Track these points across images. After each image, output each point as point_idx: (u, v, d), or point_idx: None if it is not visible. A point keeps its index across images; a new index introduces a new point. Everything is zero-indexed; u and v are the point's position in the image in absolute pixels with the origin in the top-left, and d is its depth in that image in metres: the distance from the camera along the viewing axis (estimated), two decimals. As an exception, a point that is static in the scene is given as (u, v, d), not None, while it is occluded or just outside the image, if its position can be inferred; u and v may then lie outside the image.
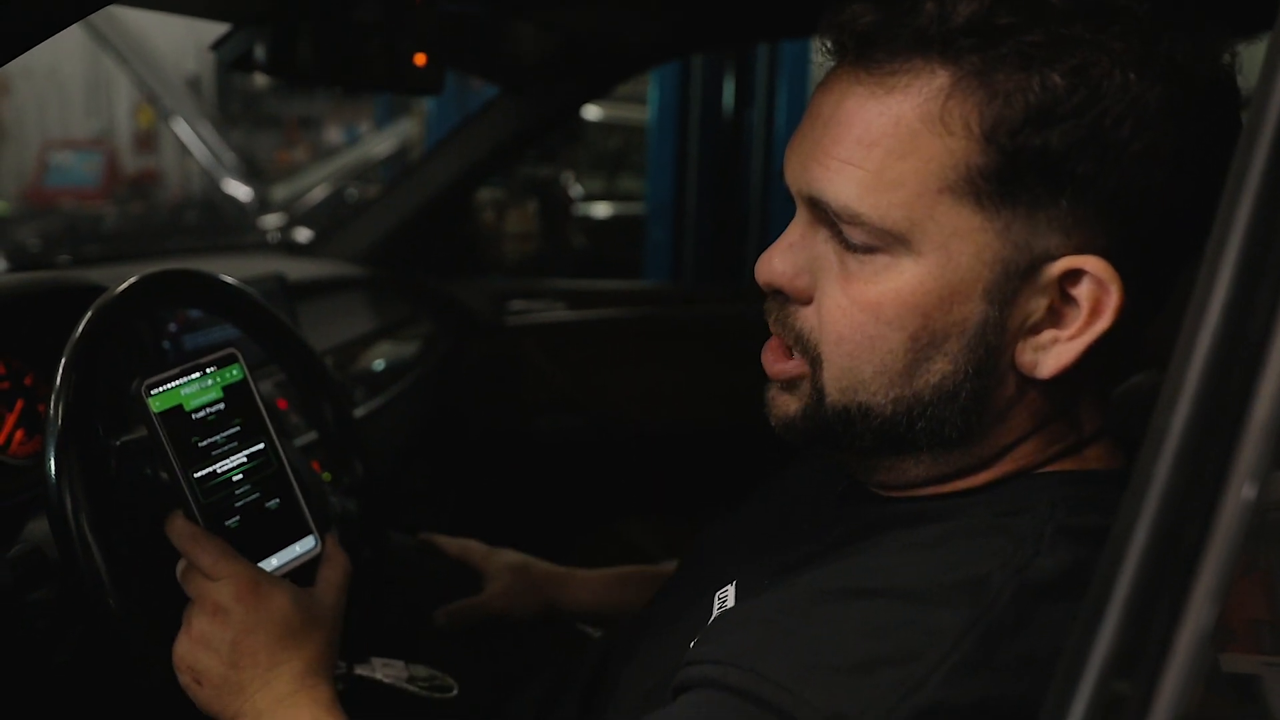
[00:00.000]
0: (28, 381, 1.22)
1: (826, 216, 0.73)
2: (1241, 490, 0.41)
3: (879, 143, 0.70)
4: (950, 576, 0.67)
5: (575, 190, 4.73)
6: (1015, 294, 0.71)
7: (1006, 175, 0.68)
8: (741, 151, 3.57)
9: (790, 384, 0.79)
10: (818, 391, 0.77)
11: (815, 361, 0.76)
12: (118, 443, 0.98)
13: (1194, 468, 0.42)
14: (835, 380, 0.75)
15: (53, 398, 0.92)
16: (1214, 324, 0.43)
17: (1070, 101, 0.66)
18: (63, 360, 0.94)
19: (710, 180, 3.58)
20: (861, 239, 0.71)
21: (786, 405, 0.80)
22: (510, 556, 1.32)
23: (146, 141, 9.56)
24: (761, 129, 3.53)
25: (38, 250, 6.49)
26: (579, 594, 1.31)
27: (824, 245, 0.75)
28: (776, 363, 0.79)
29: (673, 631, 0.85)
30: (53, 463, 0.90)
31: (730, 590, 0.82)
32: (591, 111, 4.99)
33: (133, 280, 1.03)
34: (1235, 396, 0.42)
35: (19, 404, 1.20)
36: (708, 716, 0.66)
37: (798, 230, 0.77)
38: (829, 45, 0.74)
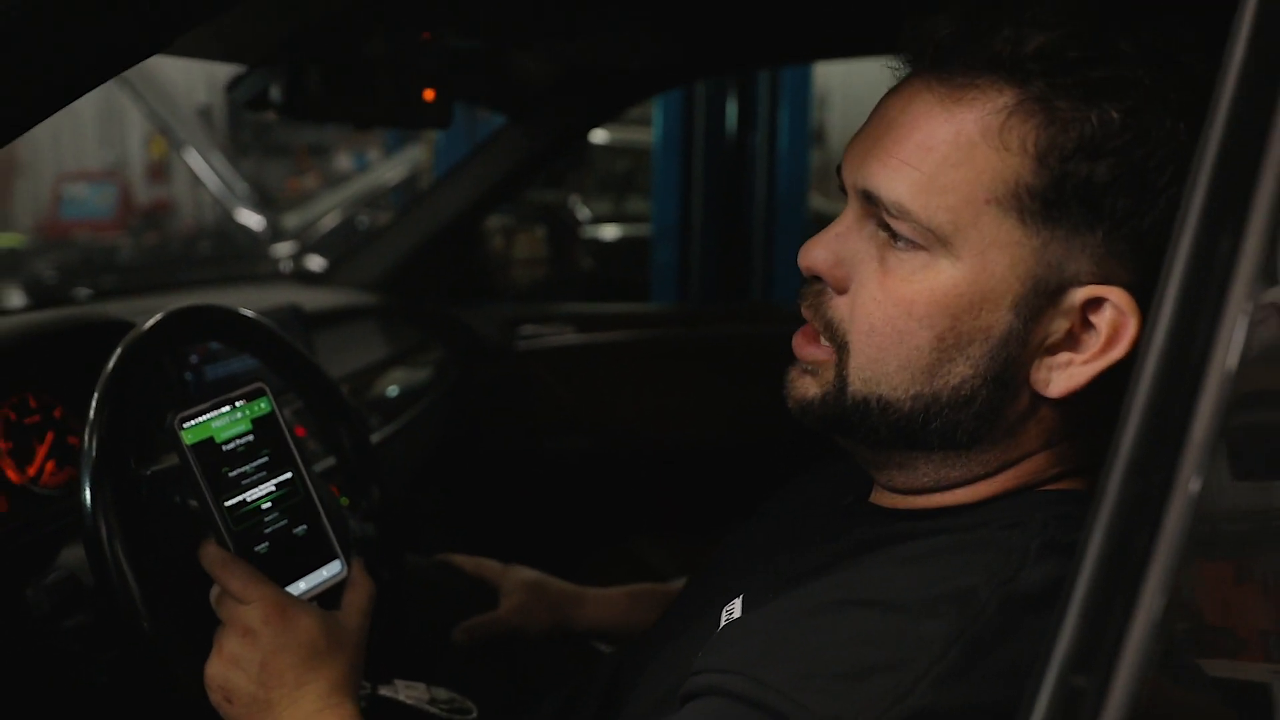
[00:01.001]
0: (57, 414, 1.26)
1: (876, 211, 0.78)
2: (1184, 498, 0.45)
3: (938, 148, 0.74)
4: (940, 589, 0.70)
5: (583, 214, 4.78)
6: (1040, 311, 0.75)
7: (1051, 197, 0.72)
8: (745, 174, 3.61)
9: (815, 368, 0.83)
10: (841, 380, 0.80)
11: (843, 349, 0.80)
12: (148, 472, 1.02)
13: (1142, 480, 0.46)
14: (860, 370, 0.79)
15: (86, 430, 0.97)
16: (1159, 350, 0.47)
17: (1121, 138, 0.71)
18: (95, 394, 0.98)
19: (715, 202, 3.62)
20: (907, 235, 0.76)
21: (807, 388, 0.83)
22: (525, 574, 1.36)
23: (159, 172, 9.65)
24: (764, 152, 3.58)
25: (54, 282, 6.57)
26: (592, 611, 1.35)
27: (868, 240, 0.79)
28: (806, 346, 0.83)
29: (682, 643, 0.89)
30: (88, 492, 0.94)
31: (738, 603, 0.86)
32: (598, 135, 5.05)
33: (159, 316, 1.07)
34: (1179, 414, 0.46)
35: (49, 436, 1.25)
36: None
37: (845, 222, 0.81)
38: (906, 53, 0.79)
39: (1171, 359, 0.47)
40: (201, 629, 0.97)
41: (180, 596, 0.99)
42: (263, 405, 1.05)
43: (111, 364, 1.01)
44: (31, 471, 1.21)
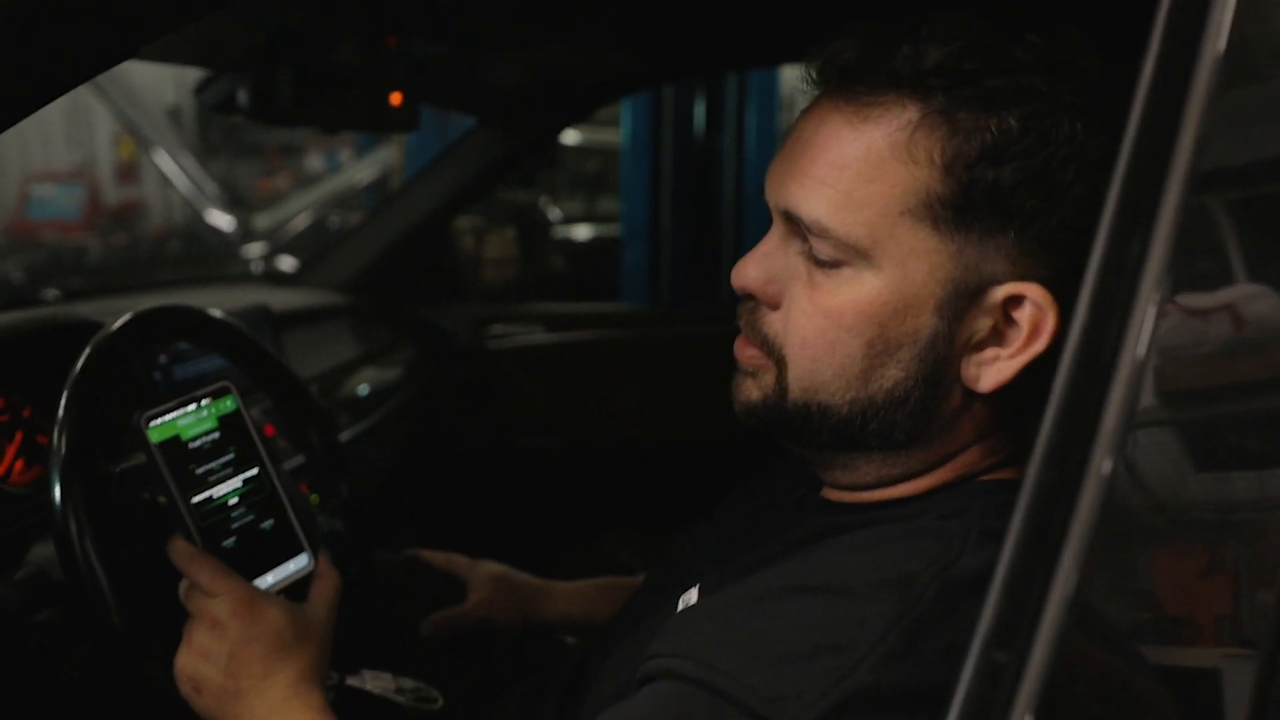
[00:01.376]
0: (26, 414, 1.27)
1: (799, 229, 0.81)
2: (1095, 483, 0.48)
3: (850, 166, 0.78)
4: (881, 575, 0.74)
5: (553, 214, 4.79)
6: (964, 312, 0.79)
7: (961, 204, 0.76)
8: (714, 174, 3.64)
9: (755, 370, 0.86)
10: (781, 389, 0.84)
11: (780, 362, 0.84)
12: (117, 470, 1.04)
13: (1060, 467, 0.50)
14: (798, 380, 0.83)
15: (55, 429, 0.98)
16: (1075, 345, 0.50)
17: (1022, 143, 0.74)
18: (65, 394, 1.00)
19: (684, 203, 3.65)
20: (828, 252, 0.79)
21: (750, 391, 0.87)
22: (492, 567, 1.38)
23: (128, 172, 9.58)
24: (733, 153, 3.61)
25: (22, 283, 6.52)
26: (559, 604, 1.37)
27: (795, 256, 0.83)
28: (745, 348, 0.87)
29: (642, 631, 0.91)
30: (58, 490, 0.96)
31: (694, 592, 0.89)
32: (568, 135, 5.07)
33: (128, 317, 1.09)
34: (1092, 403, 0.49)
35: (18, 436, 1.26)
36: (665, 704, 0.73)
37: (773, 241, 0.84)
38: (813, 75, 0.82)
39: (1087, 352, 0.51)
40: (171, 623, 0.99)
41: (149, 591, 1.00)
42: (228, 403, 1.07)
43: (80, 363, 1.02)
44: (0, 471, 1.22)
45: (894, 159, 0.76)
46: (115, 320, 1.09)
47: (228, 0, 0.74)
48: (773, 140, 3.59)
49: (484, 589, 1.34)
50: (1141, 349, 0.50)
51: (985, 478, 0.84)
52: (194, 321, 1.19)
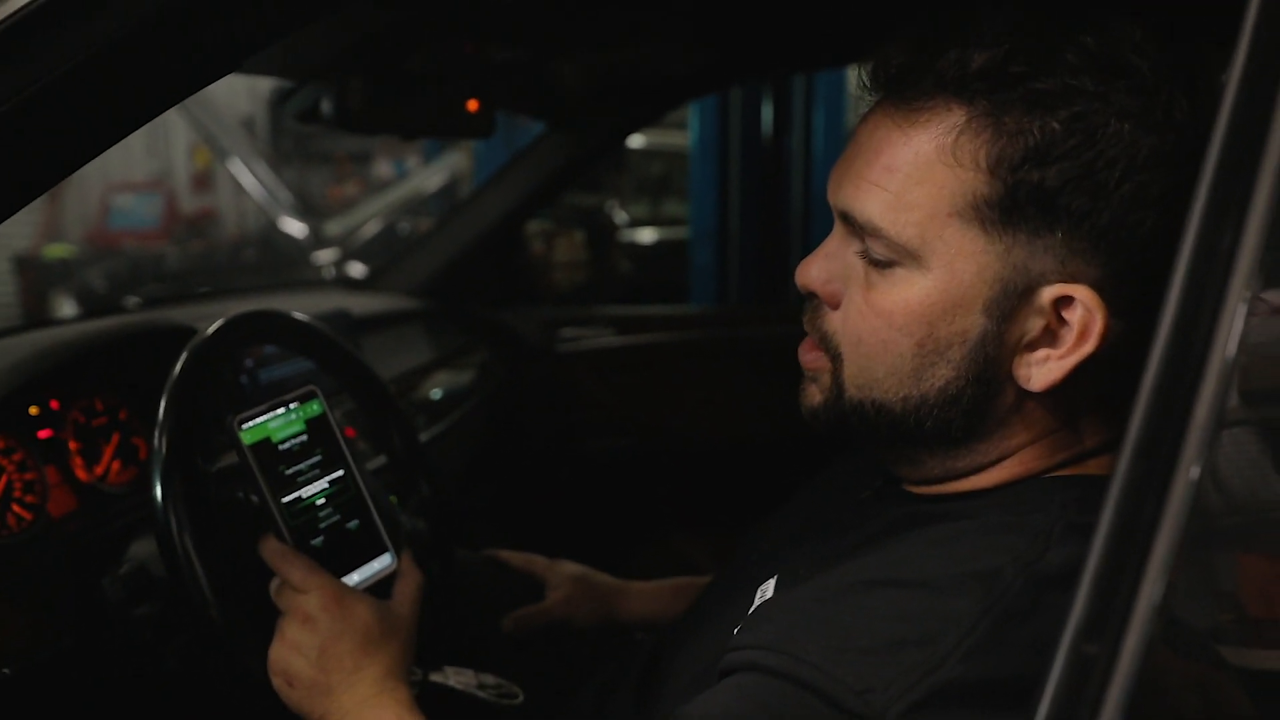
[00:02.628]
0: (122, 416, 1.33)
1: (856, 230, 0.83)
2: (1187, 478, 0.48)
3: (900, 169, 0.79)
4: (966, 568, 0.74)
5: (620, 217, 4.82)
6: (1013, 312, 0.79)
7: (1007, 205, 0.77)
8: (782, 176, 3.64)
9: (816, 376, 0.89)
10: (838, 386, 0.86)
11: (837, 359, 0.86)
12: (214, 470, 1.08)
13: (1149, 461, 0.50)
14: (853, 378, 0.85)
15: (156, 431, 1.02)
16: (1166, 338, 0.50)
17: (1066, 144, 0.75)
18: (164, 396, 1.04)
19: (752, 204, 3.65)
20: (881, 252, 0.81)
21: (813, 395, 0.89)
22: (571, 567, 1.40)
23: (203, 181, 9.79)
24: (800, 153, 3.60)
25: (104, 291, 6.72)
26: (636, 604, 1.39)
27: (853, 257, 0.84)
28: (806, 354, 0.90)
29: (719, 623, 0.93)
30: (159, 489, 1.00)
31: (771, 584, 0.90)
32: (634, 139, 5.09)
33: (222, 321, 1.13)
34: (1182, 401, 0.50)
35: (115, 437, 1.31)
36: (750, 696, 0.74)
37: (834, 242, 0.87)
38: (866, 82, 0.84)
39: (1177, 348, 0.51)
40: (264, 619, 1.02)
41: (244, 588, 1.04)
42: (315, 407, 1.11)
43: (179, 367, 1.07)
44: (99, 471, 1.28)
45: (940, 162, 0.78)
46: (209, 325, 1.13)
47: (326, 10, 0.76)
48: (840, 141, 3.57)
49: (563, 588, 1.36)
50: (1233, 346, 0.50)
51: (1059, 473, 0.84)
52: (283, 326, 1.22)
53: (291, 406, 1.09)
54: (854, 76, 0.88)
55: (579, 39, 1.74)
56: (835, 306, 0.86)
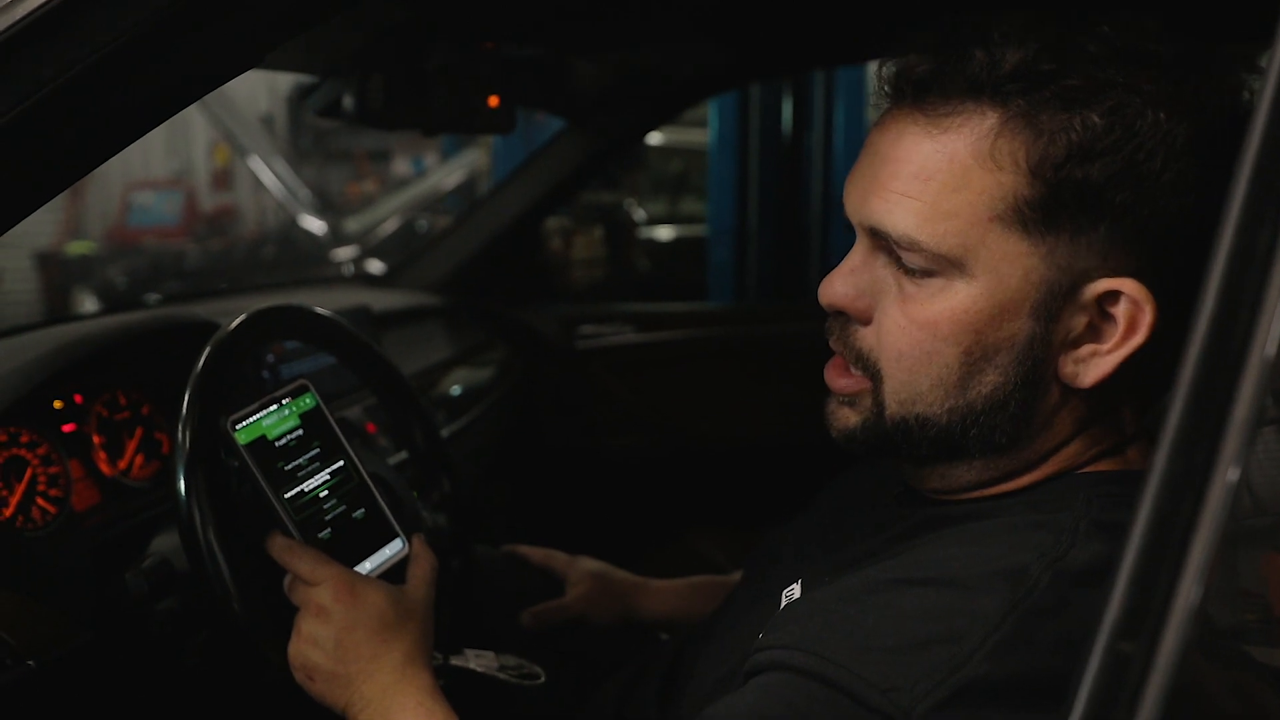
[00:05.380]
0: (145, 411, 1.33)
1: (886, 244, 0.81)
2: (1226, 475, 0.48)
3: (934, 177, 0.78)
4: (991, 566, 0.73)
5: (638, 215, 4.82)
6: (1059, 312, 0.78)
7: (1050, 205, 0.76)
8: (801, 173, 3.63)
9: (852, 399, 0.86)
10: (878, 405, 0.84)
11: (875, 377, 0.84)
12: (236, 464, 1.08)
13: (1187, 458, 0.49)
14: (894, 394, 0.83)
15: (179, 425, 1.03)
16: (1203, 334, 0.50)
17: (1108, 138, 0.74)
18: (187, 391, 1.04)
19: (771, 202, 3.64)
20: (919, 264, 0.79)
21: (847, 418, 0.87)
22: (591, 564, 1.40)
23: (223, 179, 9.85)
24: (820, 150, 3.59)
25: (125, 288, 6.76)
26: (655, 602, 1.39)
27: (883, 270, 0.83)
28: (840, 379, 0.87)
29: (743, 625, 0.92)
30: (182, 483, 1.00)
31: (796, 587, 0.90)
32: (652, 136, 5.09)
33: (245, 316, 1.13)
34: (1221, 396, 0.49)
35: (139, 432, 1.31)
36: (776, 695, 0.74)
37: (858, 256, 0.84)
38: (887, 89, 0.82)
39: (1215, 342, 0.50)
40: (286, 612, 1.02)
41: (266, 582, 1.04)
42: (308, 400, 1.11)
43: (202, 362, 1.07)
44: (122, 465, 1.28)
45: (979, 167, 0.76)
46: (231, 320, 1.13)
47: (346, 4, 0.76)
48: (860, 137, 3.56)
49: (582, 585, 1.36)
50: (1273, 341, 0.49)
51: (1087, 469, 0.84)
52: (306, 320, 1.22)
53: (284, 402, 1.09)
54: (873, 81, 0.87)
55: (599, 36, 1.74)
56: (866, 323, 0.84)
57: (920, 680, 0.68)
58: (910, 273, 0.80)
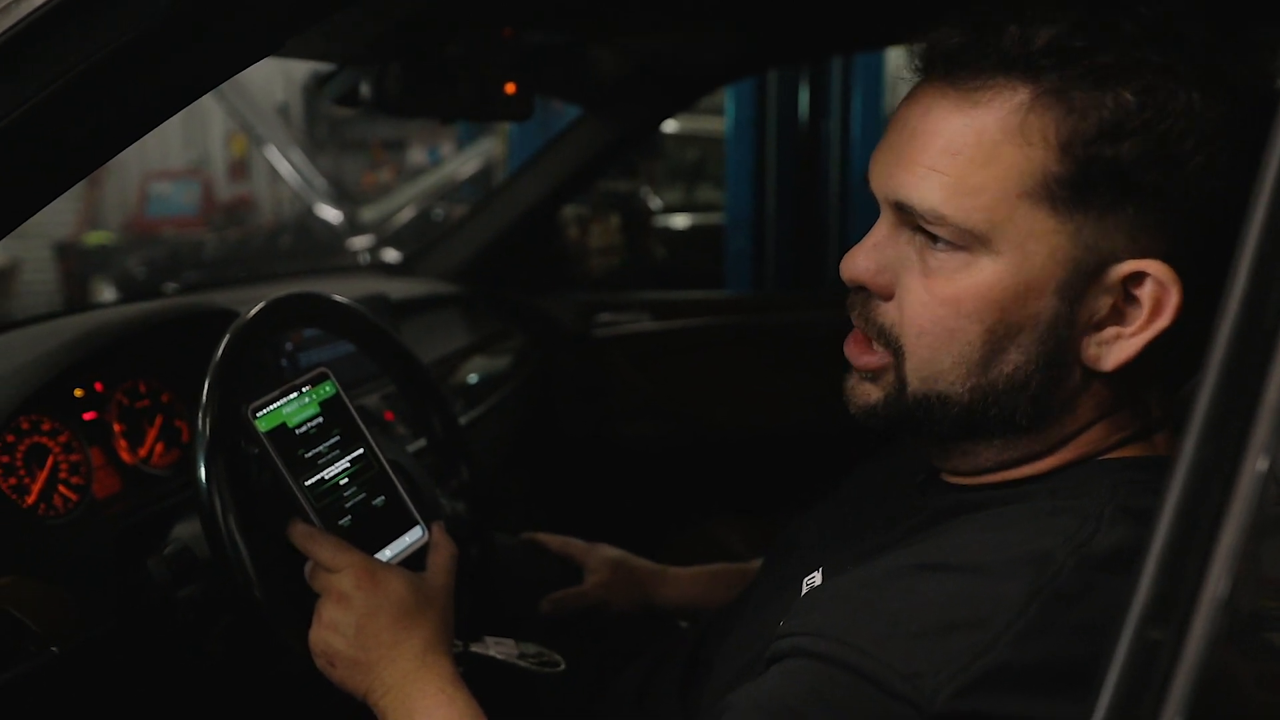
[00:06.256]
0: (165, 399, 1.33)
1: (911, 218, 0.80)
2: (1255, 464, 0.47)
3: (963, 151, 0.77)
4: (1015, 552, 0.73)
5: (655, 203, 4.81)
6: (1084, 292, 0.77)
7: (1079, 183, 0.75)
8: (819, 160, 3.61)
9: (873, 374, 0.86)
10: (900, 381, 0.83)
11: (898, 353, 0.83)
12: (256, 452, 1.08)
13: (1216, 444, 0.49)
14: (916, 370, 0.82)
15: (200, 413, 1.03)
16: (1233, 318, 0.49)
17: (1140, 117, 0.73)
18: (207, 379, 1.04)
19: (788, 189, 3.63)
20: (945, 238, 0.78)
21: (868, 394, 0.86)
22: (609, 552, 1.40)
23: (240, 169, 9.88)
24: (838, 137, 3.58)
25: (143, 278, 6.79)
26: (674, 590, 1.38)
27: (906, 245, 0.82)
28: (861, 355, 0.86)
29: (765, 613, 0.92)
30: (203, 470, 1.00)
31: (818, 574, 0.89)
32: (669, 124, 5.07)
33: (263, 304, 1.13)
34: (1251, 382, 0.48)
35: (159, 420, 1.32)
36: (799, 681, 0.73)
37: (882, 231, 0.84)
38: (918, 63, 0.81)
39: (1244, 327, 0.49)
40: (306, 599, 1.03)
41: (286, 568, 1.04)
42: (328, 388, 1.11)
43: (221, 350, 1.07)
44: (143, 453, 1.28)
45: (1008, 142, 0.75)
46: (251, 308, 1.13)
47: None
48: (878, 124, 3.54)
49: (601, 572, 1.36)
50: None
51: (1110, 455, 0.83)
52: (324, 308, 1.23)
53: (304, 390, 1.09)
54: (896, 59, 0.86)
55: (616, 23, 1.73)
56: (888, 298, 0.83)
57: (944, 666, 0.68)
58: (935, 248, 0.79)
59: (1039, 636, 0.69)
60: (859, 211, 3.51)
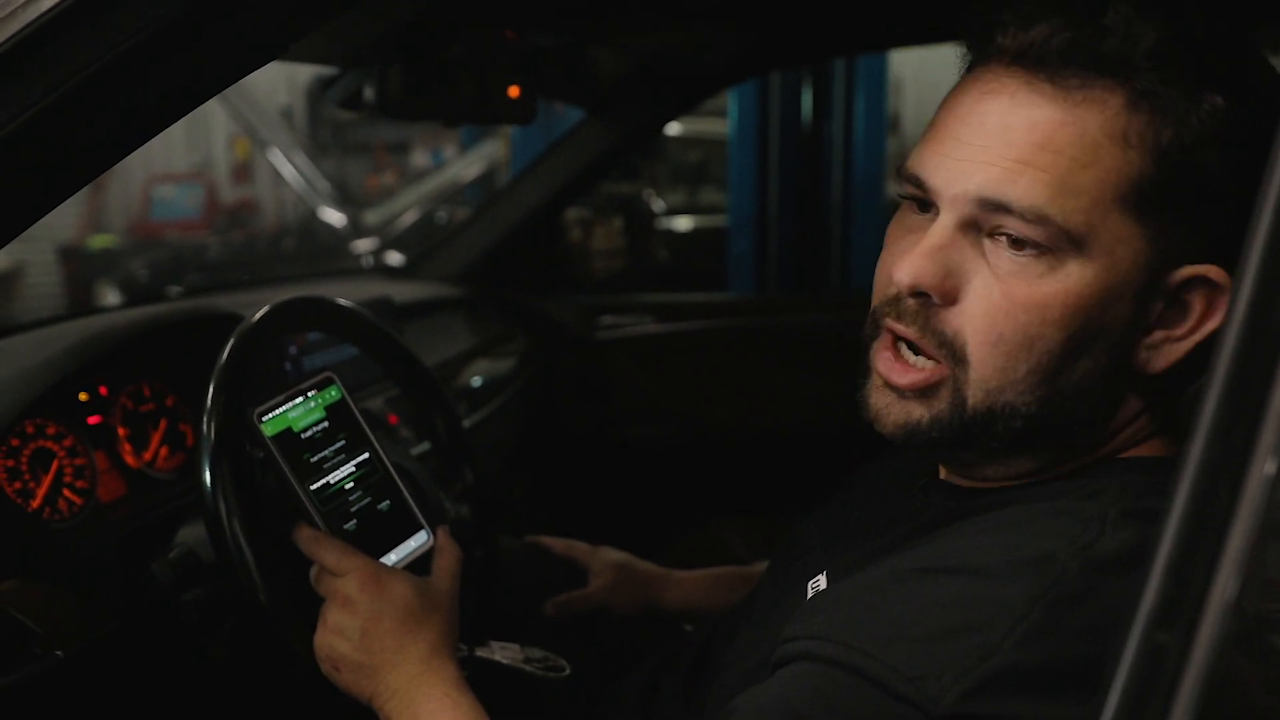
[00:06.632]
0: (170, 403, 1.33)
1: (985, 219, 0.77)
2: (1264, 466, 0.47)
3: (1064, 150, 0.75)
4: (1019, 554, 0.73)
5: (657, 205, 4.80)
6: (1153, 298, 0.77)
7: (1169, 188, 0.75)
8: (821, 163, 3.61)
9: (924, 391, 0.81)
10: (958, 394, 0.79)
11: (961, 363, 0.79)
12: (261, 456, 1.09)
13: (1224, 446, 0.48)
14: (983, 382, 0.78)
15: (204, 417, 1.03)
16: (1241, 319, 0.49)
17: (1229, 126, 0.74)
18: (211, 383, 1.05)
19: (791, 192, 3.62)
20: (1038, 239, 0.76)
21: (910, 412, 0.82)
22: (613, 554, 1.40)
23: (243, 172, 9.89)
24: (840, 140, 3.57)
25: (147, 281, 6.80)
26: (678, 592, 1.38)
27: (971, 248, 0.79)
28: (907, 373, 0.81)
29: (770, 618, 0.92)
30: (208, 474, 1.00)
31: (822, 578, 0.89)
32: (671, 126, 5.07)
33: (268, 308, 1.13)
34: (1259, 383, 0.48)
35: (163, 423, 1.32)
36: (804, 685, 0.73)
37: (943, 234, 0.79)
38: (1007, 58, 0.78)
39: (1252, 329, 0.49)
40: (311, 603, 1.03)
41: (291, 571, 1.05)
42: (333, 393, 1.12)
43: (225, 354, 1.07)
44: (147, 457, 1.28)
45: (1110, 144, 0.75)
46: (255, 311, 1.13)
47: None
48: (881, 127, 3.54)
49: (605, 575, 1.36)
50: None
51: (1124, 454, 0.83)
52: (329, 312, 1.23)
53: (310, 394, 1.10)
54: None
55: (620, 24, 1.73)
56: (952, 303, 0.79)
57: (948, 669, 0.68)
58: (1016, 250, 0.76)
59: (1043, 639, 0.68)
60: (861, 214, 3.51)
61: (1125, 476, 0.79)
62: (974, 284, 0.78)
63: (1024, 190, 0.75)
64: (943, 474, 0.91)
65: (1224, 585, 0.48)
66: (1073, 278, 0.76)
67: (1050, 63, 0.76)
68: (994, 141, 0.77)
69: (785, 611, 0.87)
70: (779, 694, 0.74)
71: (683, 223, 5.18)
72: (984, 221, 0.78)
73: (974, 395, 0.79)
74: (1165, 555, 0.50)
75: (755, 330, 2.63)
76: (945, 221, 0.79)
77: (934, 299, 0.79)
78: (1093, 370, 0.78)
